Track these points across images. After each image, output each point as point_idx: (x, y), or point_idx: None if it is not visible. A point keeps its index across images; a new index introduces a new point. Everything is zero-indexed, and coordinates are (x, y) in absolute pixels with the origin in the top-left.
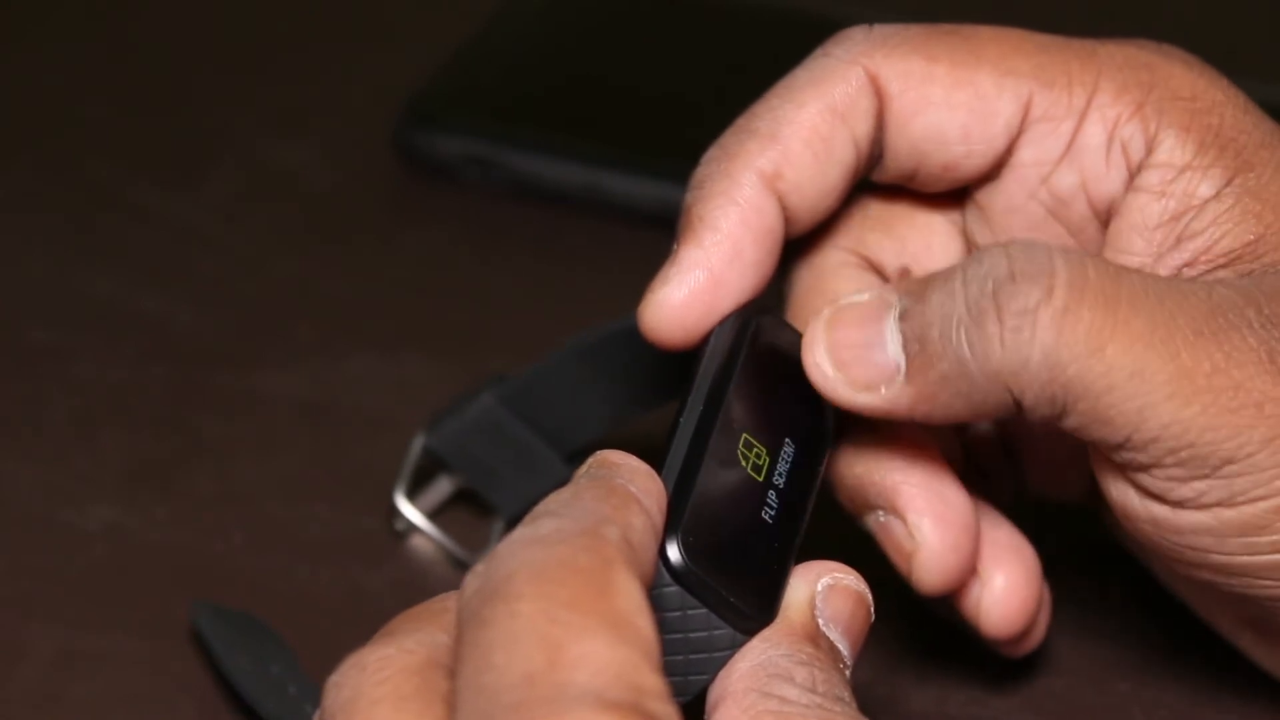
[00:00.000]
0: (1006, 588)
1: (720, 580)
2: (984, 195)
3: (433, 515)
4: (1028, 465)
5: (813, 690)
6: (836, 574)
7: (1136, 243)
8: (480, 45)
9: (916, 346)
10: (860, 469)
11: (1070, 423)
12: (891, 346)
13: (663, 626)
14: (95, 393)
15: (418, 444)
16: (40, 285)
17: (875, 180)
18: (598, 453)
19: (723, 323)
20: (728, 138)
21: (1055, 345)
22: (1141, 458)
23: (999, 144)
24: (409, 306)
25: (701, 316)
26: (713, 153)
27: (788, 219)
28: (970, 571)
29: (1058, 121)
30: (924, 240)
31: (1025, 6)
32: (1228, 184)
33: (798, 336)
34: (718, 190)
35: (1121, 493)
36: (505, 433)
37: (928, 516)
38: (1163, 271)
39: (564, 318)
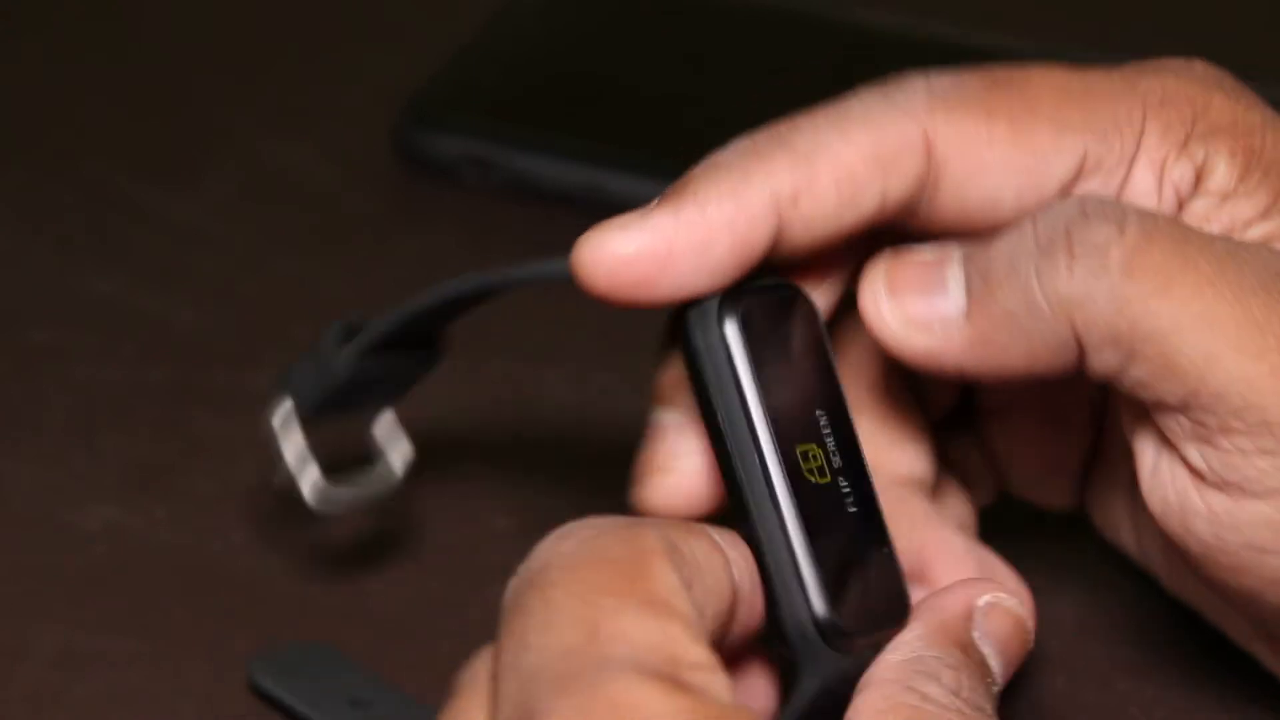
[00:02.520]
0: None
1: (870, 615)
2: None
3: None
4: (1012, 470)
5: (957, 694)
6: (1000, 595)
7: None
8: (480, 45)
9: (979, 281)
10: None
11: (1134, 373)
12: (954, 286)
13: (845, 685)
14: (95, 393)
15: (279, 416)
16: (40, 285)
17: (911, 228)
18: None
19: (694, 322)
20: (762, 138)
21: (1123, 280)
22: (1207, 420)
23: (1049, 199)
24: None
25: (634, 282)
26: (741, 143)
27: (777, 245)
28: None
29: (1110, 172)
30: None
31: (1025, 7)
32: (1273, 203)
33: (788, 293)
34: (726, 180)
35: (1179, 488)
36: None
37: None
38: None
39: (564, 317)
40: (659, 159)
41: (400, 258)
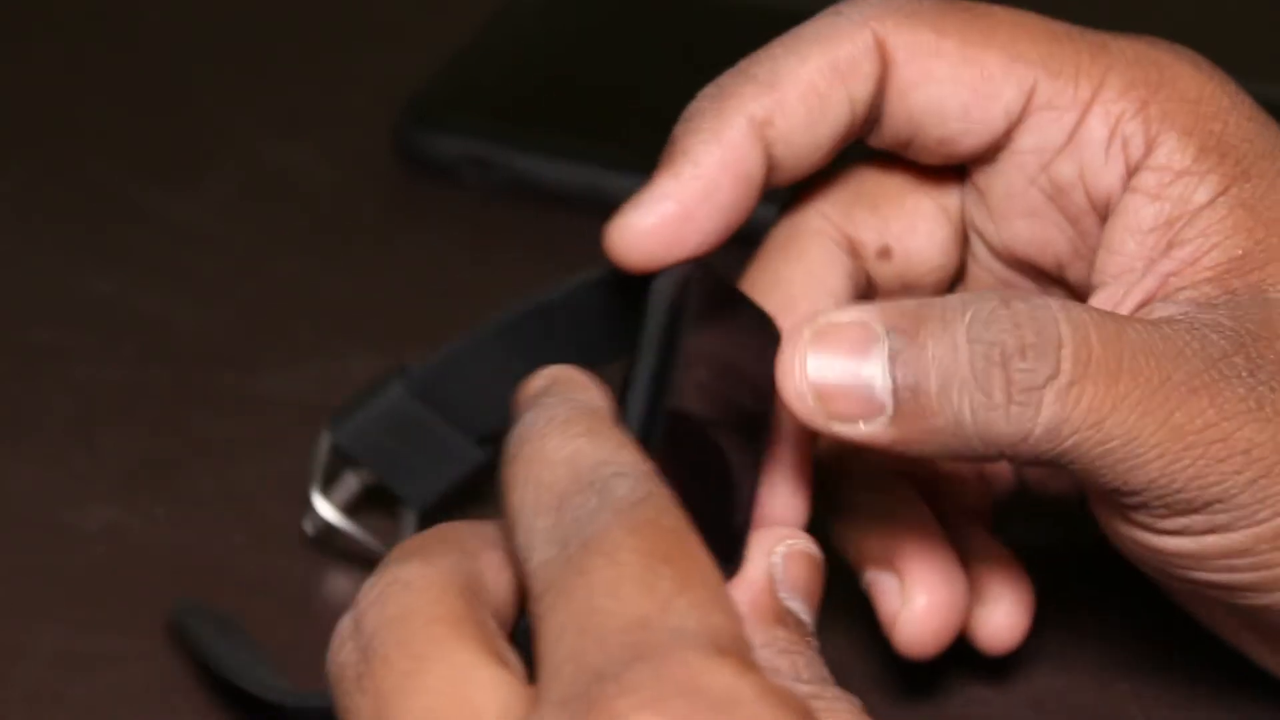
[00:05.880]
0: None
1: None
2: (983, 179)
3: (348, 512)
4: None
5: (800, 680)
6: (789, 540)
7: (1129, 244)
8: (480, 45)
9: (909, 395)
10: (859, 531)
11: (1059, 473)
12: (879, 386)
13: None
14: (95, 393)
15: (325, 441)
16: (40, 285)
17: (870, 145)
18: (554, 371)
19: (659, 286)
20: (725, 78)
21: (1058, 422)
22: (1129, 501)
23: (997, 127)
24: (409, 306)
25: (667, 246)
26: (708, 90)
27: (771, 168)
28: (949, 641)
29: (1061, 111)
30: (909, 223)
31: (1025, 7)
32: (1223, 192)
33: (759, 316)
34: (704, 127)
35: (1108, 518)
36: (414, 422)
37: (922, 585)
38: (1150, 282)
39: None
40: (659, 159)
41: (400, 258)
